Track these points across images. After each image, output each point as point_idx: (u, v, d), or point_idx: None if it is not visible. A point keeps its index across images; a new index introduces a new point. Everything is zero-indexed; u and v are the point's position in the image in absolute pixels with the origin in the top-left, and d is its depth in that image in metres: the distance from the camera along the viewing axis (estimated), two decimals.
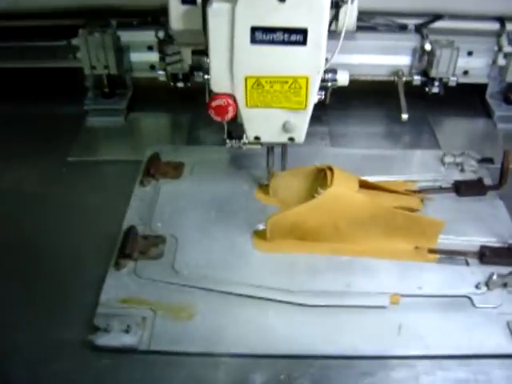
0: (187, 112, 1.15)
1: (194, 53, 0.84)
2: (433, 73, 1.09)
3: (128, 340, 0.73)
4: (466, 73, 1.14)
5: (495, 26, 1.11)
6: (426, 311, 0.78)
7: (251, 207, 0.91)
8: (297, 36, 0.72)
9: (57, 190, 0.97)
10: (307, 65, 0.74)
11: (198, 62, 1.11)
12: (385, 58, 1.14)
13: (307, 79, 0.75)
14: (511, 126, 1.14)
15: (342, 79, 0.82)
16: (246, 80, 0.76)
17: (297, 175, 0.92)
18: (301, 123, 0.80)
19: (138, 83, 1.20)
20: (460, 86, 1.11)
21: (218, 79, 0.77)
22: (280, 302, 0.78)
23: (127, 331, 0.73)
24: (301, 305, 0.78)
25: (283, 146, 0.89)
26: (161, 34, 1.08)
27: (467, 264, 0.84)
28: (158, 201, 0.93)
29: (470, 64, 1.14)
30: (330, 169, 0.86)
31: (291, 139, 0.82)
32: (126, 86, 1.18)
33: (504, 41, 1.09)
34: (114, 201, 0.94)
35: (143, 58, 1.16)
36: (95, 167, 1.03)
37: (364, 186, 0.88)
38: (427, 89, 1.11)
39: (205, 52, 0.77)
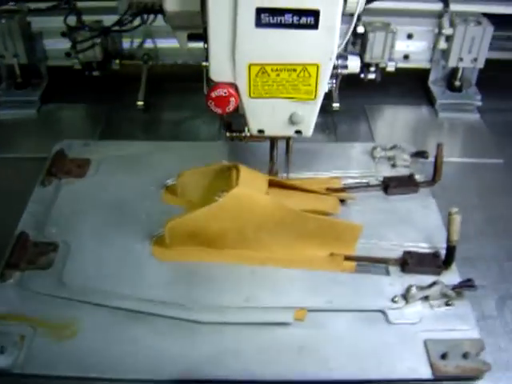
0: (105, 103, 1.07)
1: (190, 37, 0.78)
2: (367, 58, 1.01)
3: (1, 362, 0.65)
4: (406, 57, 1.06)
5: (438, 6, 1.03)
6: (334, 329, 0.70)
7: (155, 210, 0.84)
8: (307, 18, 0.65)
9: None
10: (318, 51, 0.68)
11: (114, 48, 1.05)
12: None
13: (318, 67, 0.69)
14: (454, 115, 1.06)
15: (353, 66, 0.78)
16: (249, 68, 0.69)
17: (206, 174, 0.84)
18: (309, 115, 0.74)
19: (53, 72, 1.11)
20: (401, 71, 1.03)
21: (218, 67, 0.70)
22: (173, 318, 0.70)
23: (1, 352, 0.66)
24: (194, 322, 0.70)
25: (287, 139, 0.82)
26: (71, 20, 0.99)
27: (387, 273, 0.76)
28: (56, 202, 0.85)
29: (410, 48, 1.06)
30: (237, 167, 0.78)
31: (298, 132, 0.76)
32: (41, 76, 1.10)
33: (445, 22, 1.00)
34: (12, 203, 0.86)
35: (58, 45, 1.08)
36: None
37: (276, 185, 0.81)
38: (363, 75, 1.02)
39: (203, 36, 0.70)
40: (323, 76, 0.70)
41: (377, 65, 1.01)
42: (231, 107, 0.72)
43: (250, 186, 0.76)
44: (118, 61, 1.03)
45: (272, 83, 0.71)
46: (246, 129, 0.77)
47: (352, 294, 0.73)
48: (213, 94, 0.71)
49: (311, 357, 0.67)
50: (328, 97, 0.98)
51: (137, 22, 0.97)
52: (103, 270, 0.76)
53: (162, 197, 0.86)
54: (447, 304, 0.72)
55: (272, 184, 0.80)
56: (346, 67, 0.77)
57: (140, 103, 1.01)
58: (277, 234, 0.77)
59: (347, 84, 0.99)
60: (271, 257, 0.77)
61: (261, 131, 0.76)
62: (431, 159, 0.89)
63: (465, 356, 0.67)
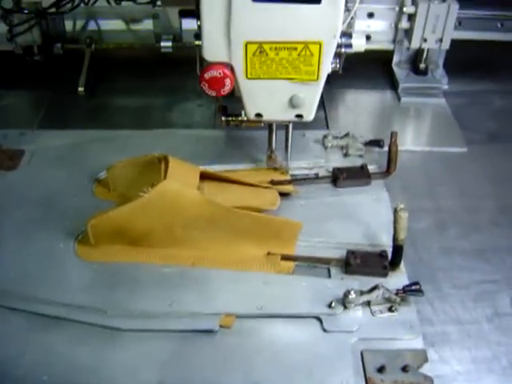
0: (46, 90, 1.01)
1: (182, 14, 0.74)
2: None
3: None
4: (368, 38, 0.98)
5: None
6: (263, 337, 0.65)
7: (84, 205, 0.78)
8: None
9: None
10: (321, 27, 0.63)
11: (56, 31, 0.99)
12: None
13: (320, 45, 0.65)
14: (417, 100, 0.99)
15: (358, 44, 0.73)
16: (246, 46, 0.65)
17: (137, 165, 0.78)
18: (311, 97, 0.70)
19: None
20: (363, 53, 0.96)
21: (212, 46, 0.65)
22: (91, 324, 0.65)
23: None
24: (114, 328, 0.65)
25: (287, 124, 0.77)
26: (8, 2, 0.93)
27: (329, 275, 0.71)
28: None
29: (371, 28, 0.98)
30: (166, 159, 0.72)
31: (299, 116, 0.72)
32: None
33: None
34: None
35: None
36: None
37: (210, 178, 0.75)
38: None
39: (195, 13, 0.65)
40: (326, 55, 0.66)
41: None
42: (226, 89, 0.68)
43: (179, 179, 0.71)
44: (60, 44, 0.97)
45: (271, 63, 0.66)
46: (243, 113, 0.73)
47: (285, 298, 0.68)
48: (206, 75, 0.66)
49: (236, 368, 0.62)
50: None
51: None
52: (23, 270, 0.71)
53: (94, 191, 0.81)
54: (390, 310, 0.67)
55: (206, 177, 0.74)
56: (350, 46, 0.72)
57: (81, 89, 0.95)
58: (208, 232, 0.71)
59: None
60: (202, 256, 0.72)
61: (259, 115, 0.72)
62: (386, 149, 0.83)
63: (404, 369, 0.61)
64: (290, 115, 0.72)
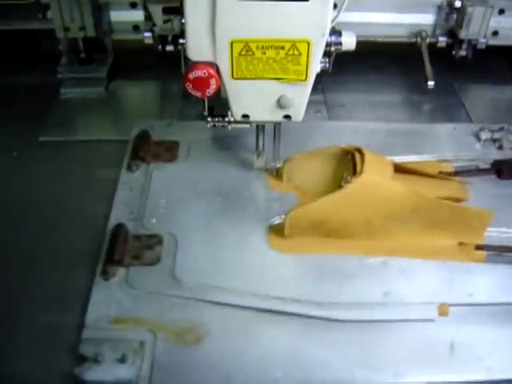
0: (179, 80, 0.98)
1: (166, 11, 0.72)
2: (462, 34, 0.95)
3: (124, 373, 0.58)
4: (495, 33, 1.00)
5: None
6: (480, 324, 0.65)
7: (263, 197, 0.77)
8: None
9: (23, 177, 0.82)
10: (309, 25, 0.61)
11: None
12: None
13: (309, 43, 0.62)
14: None
15: (348, 43, 0.69)
16: (231, 45, 0.62)
17: (316, 158, 0.77)
18: (299, 98, 0.67)
19: (119, 47, 1.03)
20: (490, 49, 0.98)
21: (197, 44, 0.63)
22: (310, 317, 0.64)
23: (122, 361, 0.59)
24: (331, 320, 0.64)
25: (276, 125, 0.74)
26: None
27: None
28: (150, 190, 0.77)
29: (501, 24, 0.99)
30: (359, 151, 0.72)
31: (287, 117, 0.69)
32: (106, 51, 1.01)
33: None
34: (96, 191, 0.79)
35: (125, 17, 1.00)
36: (71, 149, 0.86)
37: (399, 171, 0.75)
38: (454, 52, 0.97)
39: (179, 10, 0.63)
40: (315, 54, 0.63)
41: (469, 41, 0.95)
42: (212, 90, 0.65)
43: (377, 171, 0.70)
44: None
45: (257, 63, 0.64)
46: (230, 113, 0.70)
47: (491, 285, 0.68)
48: (190, 76, 0.64)
49: (464, 355, 0.62)
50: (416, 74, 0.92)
51: None
52: (219, 264, 0.69)
53: (266, 182, 0.79)
54: None
55: (396, 170, 0.74)
56: (340, 44, 0.68)
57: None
58: (406, 223, 0.71)
59: (433, 61, 0.94)
60: (398, 247, 0.71)
61: (245, 116, 0.69)
62: None
63: None
64: (277, 116, 0.69)
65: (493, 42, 0.99)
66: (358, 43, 0.70)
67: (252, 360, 0.61)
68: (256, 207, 0.76)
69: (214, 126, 0.73)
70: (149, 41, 0.92)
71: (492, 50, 0.99)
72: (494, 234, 0.74)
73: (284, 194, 0.77)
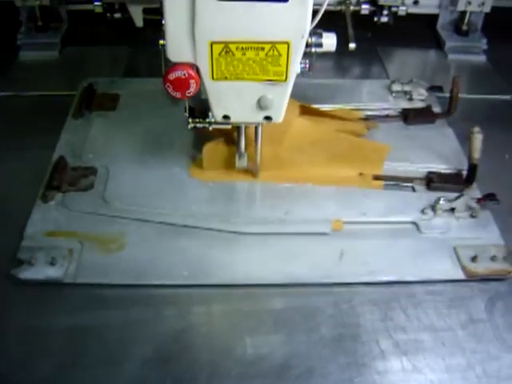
0: (126, 44, 1.09)
1: (146, 12, 0.77)
2: (381, 1, 1.05)
3: (53, 273, 0.68)
4: (416, 3, 1.10)
5: None
6: (370, 238, 0.74)
7: (188, 137, 0.86)
8: None
9: None
10: (289, 26, 0.60)
11: None
12: None
13: (288, 45, 0.62)
14: (462, 57, 1.10)
15: (329, 43, 0.69)
16: (211, 46, 0.62)
17: None
18: (279, 99, 0.67)
19: (73, 16, 1.13)
20: (410, 16, 1.08)
21: (176, 45, 0.62)
22: (215, 230, 0.74)
23: (52, 264, 0.68)
24: (238, 233, 0.74)
25: (256, 126, 0.75)
26: None
27: (414, 191, 0.81)
28: (90, 132, 0.87)
29: None
30: None
31: (268, 118, 0.69)
32: (61, 20, 1.11)
33: None
34: (47, 134, 0.87)
35: None
36: (27, 102, 0.96)
37: (306, 112, 0.84)
38: (376, 18, 1.07)
39: (159, 11, 0.61)
40: (295, 55, 0.63)
41: (389, 8, 1.05)
42: (192, 91, 0.64)
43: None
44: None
45: (237, 64, 0.63)
46: (210, 115, 0.70)
47: (383, 207, 0.78)
48: (170, 76, 0.63)
49: (352, 261, 0.71)
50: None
51: None
52: (144, 189, 0.79)
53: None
54: (472, 216, 0.77)
55: (303, 111, 0.84)
56: (320, 45, 0.68)
57: (162, 42, 1.02)
58: (310, 155, 0.80)
59: (360, 27, 1.04)
60: (304, 176, 0.80)
61: (226, 117, 0.69)
62: (445, 94, 0.95)
63: (493, 259, 0.71)
64: (258, 117, 0.68)
65: (413, 10, 1.09)
66: None
67: (164, 263, 0.70)
68: (181, 146, 0.85)
69: (195, 127, 0.74)
70: (99, 10, 1.02)
71: (414, 18, 1.09)
72: (394, 167, 0.84)
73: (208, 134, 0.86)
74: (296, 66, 0.64)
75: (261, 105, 0.67)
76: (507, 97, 1.01)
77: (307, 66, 0.68)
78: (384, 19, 1.06)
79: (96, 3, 1.01)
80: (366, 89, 0.99)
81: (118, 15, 1.00)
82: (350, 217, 0.76)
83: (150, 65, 1.04)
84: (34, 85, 0.99)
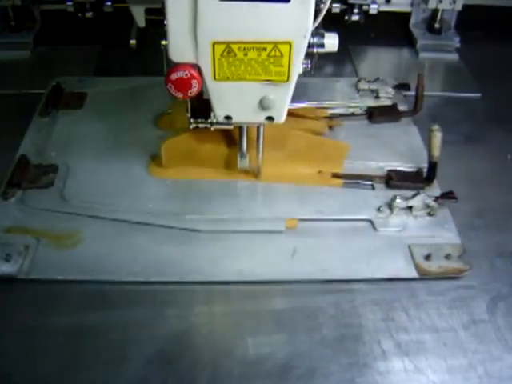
0: (97, 44, 1.10)
1: (148, 12, 0.77)
2: None
3: (7, 269, 0.69)
4: (388, 1, 1.10)
5: None
6: (324, 236, 0.74)
7: (151, 136, 0.87)
8: None
9: None
10: (291, 27, 0.60)
11: None
12: None
13: (290, 45, 0.62)
14: (434, 55, 1.10)
15: (331, 44, 0.69)
16: (213, 46, 0.62)
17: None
18: (281, 99, 0.67)
19: (47, 16, 1.13)
20: (383, 14, 1.08)
21: (178, 46, 0.62)
22: (171, 227, 0.74)
23: (7, 260, 0.69)
24: (192, 230, 0.74)
25: (258, 126, 0.75)
26: None
27: (373, 189, 0.81)
28: (54, 130, 0.88)
29: None
30: None
31: (270, 118, 0.69)
32: (34, 19, 1.12)
33: None
34: (14, 134, 0.88)
35: None
36: None
37: None
38: (347, 17, 1.07)
39: (161, 11, 0.62)
40: (297, 55, 0.63)
41: (360, 6, 1.05)
42: (194, 91, 0.64)
43: None
44: (110, 2, 1.06)
45: (239, 64, 0.63)
46: (212, 115, 0.70)
47: (340, 205, 0.78)
48: (172, 77, 0.63)
49: (305, 260, 0.71)
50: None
51: None
52: (103, 187, 0.79)
53: (158, 125, 0.89)
54: (429, 214, 0.77)
55: None
56: (322, 46, 0.69)
57: (132, 42, 1.03)
58: (267, 152, 0.80)
59: (331, 25, 1.04)
60: (262, 174, 0.80)
61: (228, 117, 0.69)
62: (412, 92, 0.94)
63: (447, 257, 0.72)
64: (260, 117, 0.69)
65: (385, 8, 1.09)
66: None
67: (117, 259, 0.71)
68: (143, 144, 0.85)
69: (197, 127, 0.73)
70: (71, 9, 1.03)
71: (388, 16, 1.09)
72: (355, 165, 0.84)
73: (170, 133, 0.86)
74: (298, 66, 0.64)
75: (263, 105, 0.67)
76: (477, 95, 1.01)
77: (309, 66, 0.67)
78: (355, 17, 1.06)
79: (68, 3, 1.02)
80: (333, 87, 0.99)
81: (89, 14, 1.01)
82: (305, 215, 0.76)
83: (121, 64, 1.05)
84: (4, 84, 1.00)
